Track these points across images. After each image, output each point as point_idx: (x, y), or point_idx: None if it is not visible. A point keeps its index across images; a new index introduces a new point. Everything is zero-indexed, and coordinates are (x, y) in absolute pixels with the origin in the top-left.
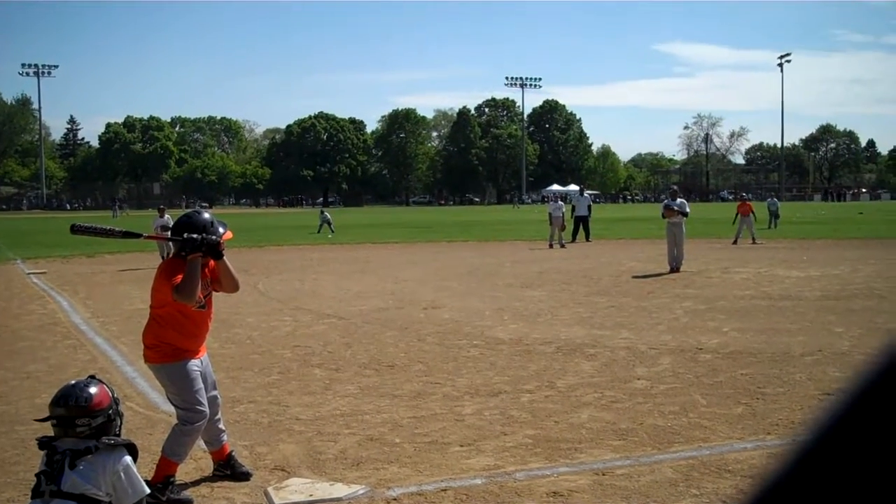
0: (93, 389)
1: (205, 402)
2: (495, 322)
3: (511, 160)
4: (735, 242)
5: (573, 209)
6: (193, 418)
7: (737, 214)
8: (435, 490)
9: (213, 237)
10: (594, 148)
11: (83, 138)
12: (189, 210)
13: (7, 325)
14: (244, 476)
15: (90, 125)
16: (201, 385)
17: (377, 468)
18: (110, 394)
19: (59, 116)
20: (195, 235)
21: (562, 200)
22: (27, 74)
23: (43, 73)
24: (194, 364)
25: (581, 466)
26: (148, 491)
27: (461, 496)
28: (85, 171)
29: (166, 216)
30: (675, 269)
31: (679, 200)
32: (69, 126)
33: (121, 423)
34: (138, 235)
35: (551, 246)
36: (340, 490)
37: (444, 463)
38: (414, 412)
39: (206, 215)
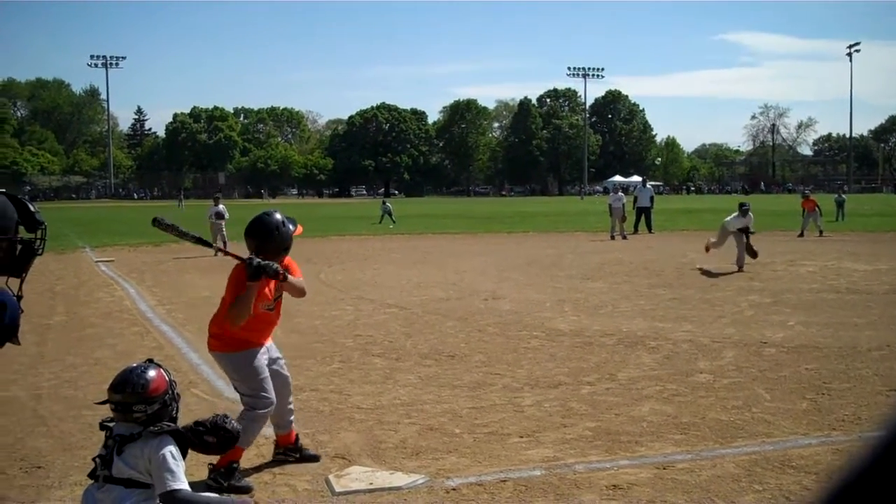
0: (150, 375)
1: (270, 389)
2: (556, 313)
3: (573, 151)
4: (801, 235)
5: (635, 200)
6: (259, 404)
7: (803, 210)
8: (494, 481)
9: (274, 266)
10: (658, 139)
11: (150, 129)
12: (261, 212)
13: (76, 311)
14: (313, 458)
15: (157, 116)
16: (266, 373)
17: (436, 458)
18: (167, 378)
19: (126, 107)
20: (257, 262)
21: (623, 192)
22: (96, 66)
23: (111, 64)
24: (259, 352)
25: (642, 460)
26: (178, 487)
27: (520, 487)
28: (152, 160)
29: (220, 205)
30: (741, 268)
31: (750, 215)
32: (136, 117)
33: (177, 406)
34: (209, 245)
35: (612, 238)
36: (400, 479)
37: (503, 454)
38: (474, 402)
39: (277, 216)
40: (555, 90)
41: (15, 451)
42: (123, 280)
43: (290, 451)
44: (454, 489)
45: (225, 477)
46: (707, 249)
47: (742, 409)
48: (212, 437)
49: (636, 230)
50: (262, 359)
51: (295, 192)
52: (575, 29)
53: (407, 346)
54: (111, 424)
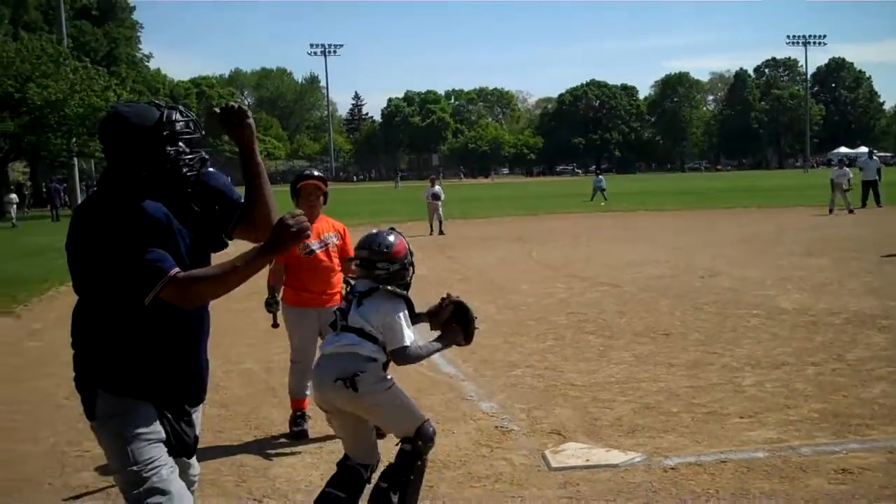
0: (393, 238)
1: (301, 349)
2: (777, 291)
3: (793, 122)
4: None
5: (861, 172)
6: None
7: None
8: (714, 461)
9: None
10: (887, 108)
11: (367, 113)
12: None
13: None
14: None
15: (373, 100)
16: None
17: (653, 436)
18: (407, 245)
19: (344, 93)
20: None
21: (847, 166)
22: (315, 54)
23: (329, 52)
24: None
25: (873, 444)
26: (408, 343)
27: (742, 468)
28: (369, 144)
29: (437, 186)
30: None
31: None
32: (354, 102)
33: (412, 274)
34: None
35: (831, 211)
36: (617, 457)
37: (723, 434)
38: (691, 381)
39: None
40: (773, 59)
41: (250, 420)
42: None
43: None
44: (672, 468)
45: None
46: None
47: None
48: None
49: (864, 204)
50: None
51: (506, 171)
52: None
53: (621, 324)
54: (353, 281)
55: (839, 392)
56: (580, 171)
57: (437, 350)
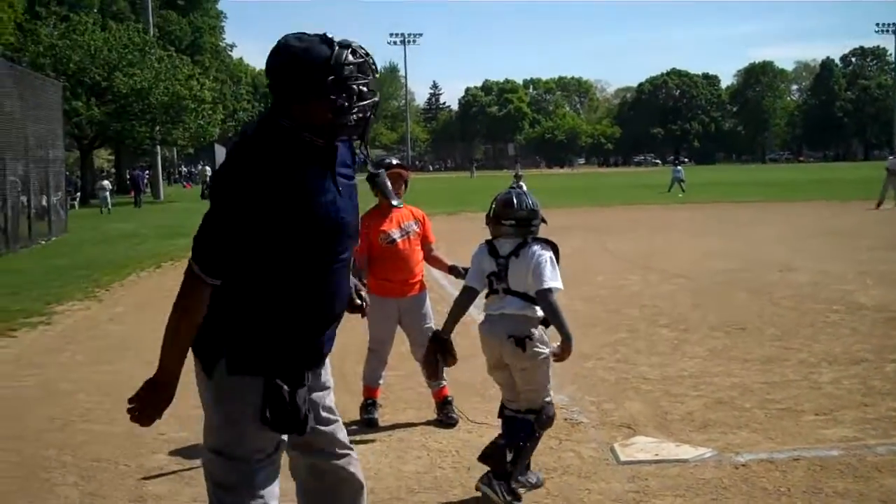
0: (532, 197)
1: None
2: (857, 286)
3: (880, 113)
4: None
5: None
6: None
7: None
8: (787, 459)
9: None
10: None
11: (444, 102)
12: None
13: None
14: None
15: (451, 90)
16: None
17: (725, 432)
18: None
19: (422, 83)
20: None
21: None
22: (394, 43)
23: (408, 41)
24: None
25: None
26: (555, 286)
27: (815, 466)
28: (446, 133)
29: (521, 183)
30: None
31: None
32: (432, 91)
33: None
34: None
35: (879, 205)
36: (687, 452)
37: (797, 431)
38: (766, 377)
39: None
40: (861, 48)
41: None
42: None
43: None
44: (743, 465)
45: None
46: None
47: None
48: None
49: None
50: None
51: (582, 161)
52: None
53: (695, 318)
54: (496, 242)
55: None
56: (658, 161)
57: (566, 326)
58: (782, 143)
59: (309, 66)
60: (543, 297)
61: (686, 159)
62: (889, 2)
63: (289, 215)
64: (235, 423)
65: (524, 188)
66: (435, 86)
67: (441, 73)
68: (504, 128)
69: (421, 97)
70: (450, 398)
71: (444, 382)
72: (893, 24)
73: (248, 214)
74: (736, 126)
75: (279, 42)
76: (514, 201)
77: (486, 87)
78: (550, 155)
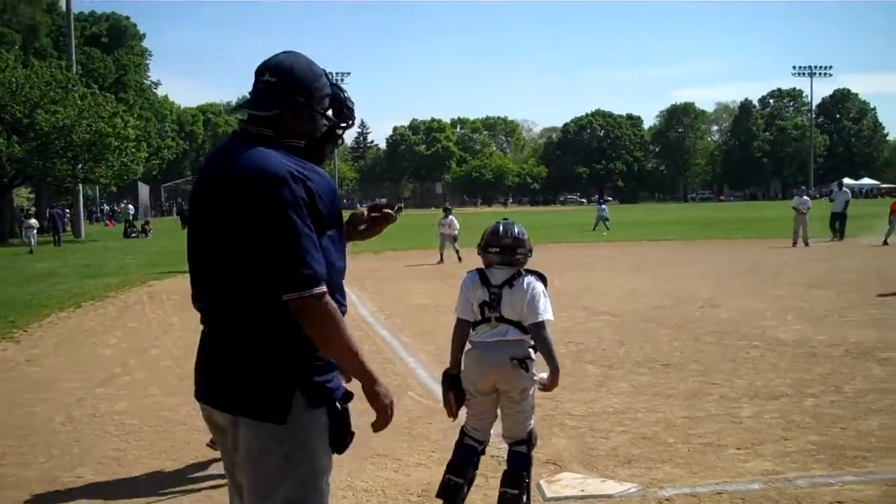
0: (519, 226)
1: None
2: (777, 322)
3: (797, 153)
4: (885, 243)
5: (832, 204)
6: None
7: (891, 212)
8: (709, 493)
9: None
10: (890, 139)
11: (372, 141)
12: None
13: None
14: None
15: (379, 129)
16: None
17: (649, 467)
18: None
19: None
20: None
21: (807, 196)
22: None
23: (337, 80)
24: None
25: (869, 476)
26: (545, 319)
27: (737, 500)
28: (373, 172)
29: (450, 217)
30: None
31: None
32: (360, 130)
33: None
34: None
35: (794, 244)
36: (612, 487)
37: (719, 465)
38: (689, 412)
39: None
40: (779, 90)
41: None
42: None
43: None
44: (667, 500)
45: None
46: None
47: None
48: None
49: (836, 235)
50: None
51: (510, 200)
52: (800, 25)
53: (620, 354)
54: (488, 272)
55: (837, 424)
56: (583, 200)
57: (556, 358)
58: (703, 183)
59: (320, 76)
60: (537, 328)
61: (610, 198)
62: (805, 46)
63: (333, 218)
64: (315, 458)
65: (451, 219)
66: (363, 125)
67: (369, 112)
68: (432, 166)
69: (349, 136)
70: None
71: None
72: (808, 66)
73: (311, 218)
74: (658, 166)
75: (288, 52)
76: (501, 229)
77: (414, 127)
78: (478, 193)
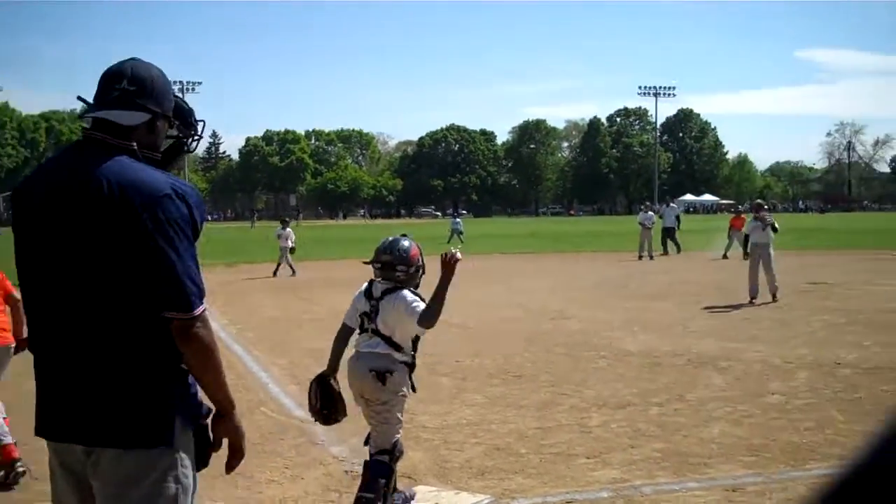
0: (409, 244)
1: None
2: (624, 333)
3: (643, 170)
4: (724, 256)
5: (662, 220)
6: None
7: (730, 227)
8: (560, 502)
9: None
10: (730, 157)
11: (224, 152)
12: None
13: None
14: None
15: (231, 139)
16: None
17: (502, 478)
18: (420, 251)
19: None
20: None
21: (651, 211)
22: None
23: (187, 89)
24: None
25: (711, 482)
26: (422, 307)
27: None
28: (226, 183)
29: (288, 229)
30: (754, 298)
31: (766, 216)
32: (211, 140)
33: (421, 276)
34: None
35: (640, 258)
36: (465, 499)
37: (569, 475)
38: (540, 423)
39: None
40: (625, 109)
41: None
42: None
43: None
44: None
45: None
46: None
47: (815, 431)
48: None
49: (666, 251)
50: None
51: (364, 213)
52: (646, 47)
53: (473, 366)
54: (371, 288)
55: (680, 432)
56: (438, 213)
57: (442, 296)
58: (554, 197)
59: (171, 87)
60: (425, 319)
61: (465, 211)
62: (650, 67)
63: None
64: (185, 479)
65: (288, 231)
66: (215, 135)
67: (221, 122)
68: (286, 178)
69: (200, 146)
70: (17, 459)
71: (12, 441)
72: (653, 86)
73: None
74: (511, 180)
75: (137, 59)
76: (383, 245)
77: (268, 138)
78: (333, 206)
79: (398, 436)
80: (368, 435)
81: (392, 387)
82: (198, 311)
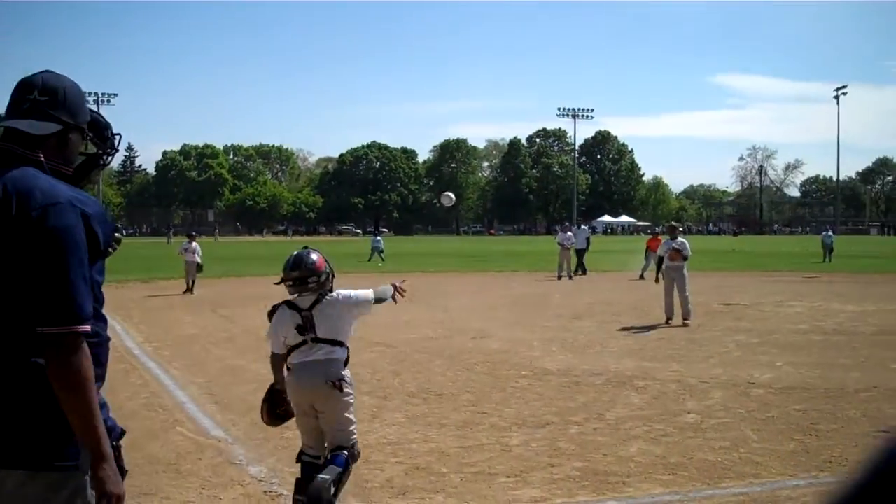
0: (314, 256)
1: None
2: (544, 353)
3: (562, 190)
4: (641, 277)
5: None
6: None
7: (647, 248)
8: None
9: None
10: (646, 179)
11: (140, 165)
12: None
13: None
14: None
15: (147, 153)
16: None
17: (423, 498)
18: (325, 260)
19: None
20: None
21: (570, 232)
22: (87, 102)
23: (102, 101)
24: None
25: (629, 501)
26: (372, 297)
27: None
28: (142, 197)
29: (194, 243)
30: (671, 318)
31: (680, 240)
32: (127, 153)
33: (333, 278)
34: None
35: (559, 278)
36: None
37: (490, 494)
38: (461, 442)
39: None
40: (545, 130)
41: None
42: (110, 316)
43: None
44: None
45: None
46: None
47: (730, 450)
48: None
49: (578, 272)
50: None
51: (289, 229)
52: (565, 70)
53: (394, 385)
54: (294, 302)
55: (599, 450)
56: (359, 231)
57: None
58: (475, 217)
59: (85, 100)
60: (368, 303)
61: (385, 229)
62: (568, 90)
63: (103, 248)
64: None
65: (195, 245)
66: (130, 148)
67: (138, 135)
68: (204, 193)
69: (115, 159)
70: None
71: None
72: (572, 108)
73: (86, 248)
74: (432, 199)
75: (51, 71)
76: (289, 264)
77: (185, 152)
78: (251, 221)
79: (355, 437)
80: (300, 451)
81: (346, 389)
82: (67, 330)
